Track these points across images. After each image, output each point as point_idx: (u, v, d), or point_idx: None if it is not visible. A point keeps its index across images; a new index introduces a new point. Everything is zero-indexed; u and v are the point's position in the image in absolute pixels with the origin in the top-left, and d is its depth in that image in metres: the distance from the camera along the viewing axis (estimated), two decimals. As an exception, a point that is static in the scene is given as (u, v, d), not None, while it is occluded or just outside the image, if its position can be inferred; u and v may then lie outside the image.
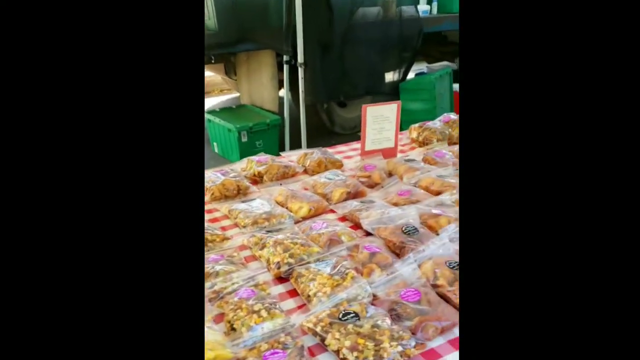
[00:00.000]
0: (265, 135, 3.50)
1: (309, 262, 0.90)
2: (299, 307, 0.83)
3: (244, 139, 3.42)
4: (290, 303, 0.85)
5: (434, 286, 0.85)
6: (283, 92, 3.72)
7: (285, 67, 3.31)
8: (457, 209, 1.10)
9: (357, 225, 1.08)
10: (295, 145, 3.51)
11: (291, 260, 0.90)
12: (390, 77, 3.93)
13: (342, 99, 3.71)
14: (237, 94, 4.59)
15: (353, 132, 4.12)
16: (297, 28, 2.99)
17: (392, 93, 3.91)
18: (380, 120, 1.38)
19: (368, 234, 1.04)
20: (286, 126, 3.52)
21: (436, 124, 1.59)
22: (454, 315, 0.78)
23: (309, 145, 3.43)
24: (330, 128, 4.15)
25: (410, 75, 4.39)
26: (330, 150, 1.54)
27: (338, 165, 1.35)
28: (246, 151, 3.39)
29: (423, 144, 1.54)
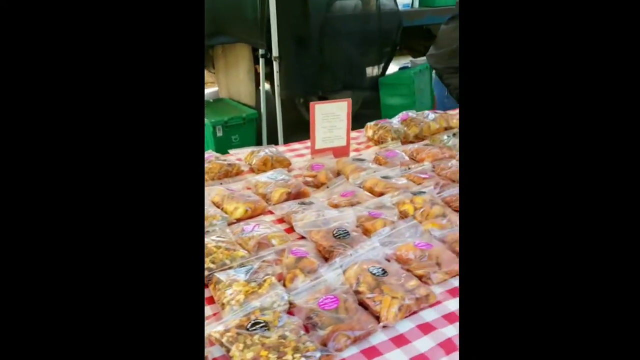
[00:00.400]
0: (241, 130, 3.46)
1: (231, 267, 0.87)
2: (214, 315, 0.80)
3: (219, 134, 3.38)
4: (206, 311, 0.82)
5: (356, 292, 0.82)
6: (267, 86, 3.68)
7: (261, 61, 3.27)
8: (396, 211, 1.07)
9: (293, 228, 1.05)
10: (273, 140, 3.47)
11: (212, 265, 0.87)
12: (369, 71, 3.89)
13: (320, 94, 3.67)
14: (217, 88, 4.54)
15: (334, 127, 4.08)
16: (271, 21, 2.94)
17: (372, 88, 3.88)
18: (330, 118, 1.34)
19: (303, 237, 1.01)
20: (263, 121, 3.48)
21: (393, 122, 1.56)
22: (369, 324, 0.76)
23: (287, 140, 3.39)
24: (311, 122, 4.11)
25: (395, 69, 4.35)
26: (282, 147, 1.51)
27: (285, 163, 1.32)
28: (222, 146, 3.34)
29: (378, 142, 1.51)
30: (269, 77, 3.41)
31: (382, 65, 3.81)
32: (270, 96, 3.82)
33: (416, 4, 4.05)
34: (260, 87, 3.41)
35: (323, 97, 4.00)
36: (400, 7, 3.92)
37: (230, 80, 3.91)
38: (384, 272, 0.84)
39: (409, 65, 4.49)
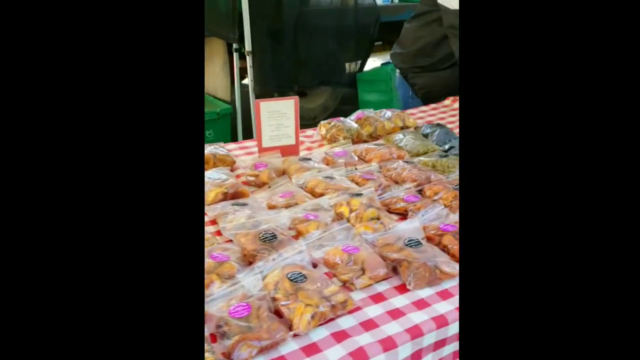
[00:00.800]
0: (215, 125, 3.41)
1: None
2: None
3: (193, 129, 3.33)
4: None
5: (273, 299, 0.80)
6: (246, 81, 3.63)
7: (235, 56, 3.22)
8: (332, 213, 1.05)
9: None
10: (249, 135, 3.43)
11: (127, 270, 0.84)
12: (348, 67, 3.86)
13: (296, 89, 3.62)
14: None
15: (315, 123, 4.04)
16: (243, 15, 2.89)
17: (351, 84, 3.84)
18: (276, 116, 1.31)
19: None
20: (238, 116, 3.43)
21: (346, 121, 1.54)
22: (279, 333, 0.74)
23: (262, 136, 3.35)
24: (289, 118, 4.07)
25: (377, 65, 4.32)
26: (233, 145, 1.47)
27: (229, 162, 1.29)
28: (195, 141, 3.29)
29: (331, 141, 1.48)
30: (247, 72, 3.37)
31: (359, 60, 3.77)
32: (247, 91, 3.78)
33: (396, -1, 4.02)
34: (235, 82, 3.37)
35: (300, 93, 3.96)
36: (381, 2, 3.89)
37: (206, 75, 3.86)
38: (304, 278, 0.82)
39: (391, 61, 4.46)
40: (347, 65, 3.86)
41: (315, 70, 3.49)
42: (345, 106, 4.26)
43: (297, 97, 1.33)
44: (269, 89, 3.33)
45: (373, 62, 4.99)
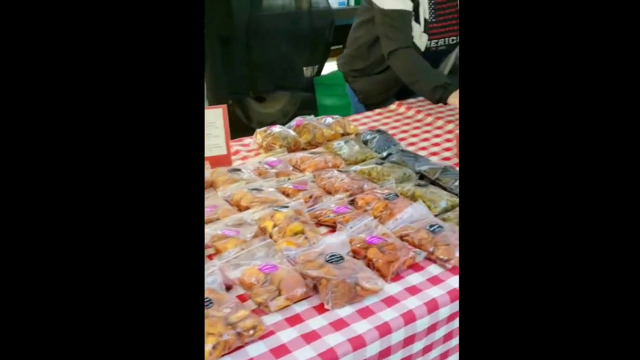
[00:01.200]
0: (169, 133, 3.31)
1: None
2: None
3: (144, 138, 3.23)
4: None
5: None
6: (204, 86, 3.53)
7: (187, 61, 3.13)
8: (254, 228, 0.99)
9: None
10: (204, 143, 3.35)
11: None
12: (307, 71, 3.82)
13: (251, 95, 3.56)
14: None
15: (274, 128, 3.98)
16: (191, 19, 2.81)
17: (308, 88, 3.80)
18: (205, 125, 1.25)
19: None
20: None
21: (284, 128, 1.48)
22: None
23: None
24: (247, 124, 4.00)
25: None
26: (163, 158, 1.40)
27: (153, 177, 1.22)
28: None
29: (267, 150, 1.42)
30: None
31: (317, 64, 3.74)
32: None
33: (352, 2, 4.01)
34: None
35: (258, 98, 3.90)
36: (336, 5, 3.86)
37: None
38: (209, 303, 0.76)
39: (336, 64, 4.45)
40: (305, 69, 3.83)
41: (270, 75, 3.43)
42: (305, 111, 4.22)
43: (225, 105, 1.27)
44: (222, 95, 3.26)
45: (335, 66, 4.97)
